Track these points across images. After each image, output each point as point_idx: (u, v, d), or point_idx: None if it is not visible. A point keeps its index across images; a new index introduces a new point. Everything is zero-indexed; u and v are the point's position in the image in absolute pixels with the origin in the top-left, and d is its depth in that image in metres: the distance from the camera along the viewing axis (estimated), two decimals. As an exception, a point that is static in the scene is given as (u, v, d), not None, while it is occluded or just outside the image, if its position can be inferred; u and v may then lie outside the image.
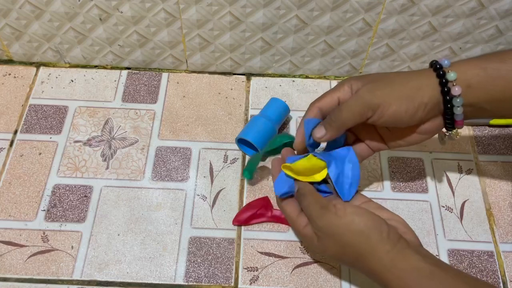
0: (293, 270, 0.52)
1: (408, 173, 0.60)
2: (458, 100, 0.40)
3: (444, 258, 0.54)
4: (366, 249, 0.38)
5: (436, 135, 0.47)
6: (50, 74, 0.67)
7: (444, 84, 0.40)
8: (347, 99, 0.43)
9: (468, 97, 0.40)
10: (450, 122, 0.43)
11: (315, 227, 0.41)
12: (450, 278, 0.36)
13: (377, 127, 0.47)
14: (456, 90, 0.40)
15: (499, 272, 0.53)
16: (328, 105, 0.44)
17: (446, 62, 0.41)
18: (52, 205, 0.56)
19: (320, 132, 0.43)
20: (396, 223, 0.41)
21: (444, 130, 0.45)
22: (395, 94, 0.41)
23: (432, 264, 0.37)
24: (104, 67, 0.68)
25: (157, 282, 0.51)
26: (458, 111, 0.41)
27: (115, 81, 0.67)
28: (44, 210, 0.55)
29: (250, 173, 0.54)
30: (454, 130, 0.44)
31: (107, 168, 0.59)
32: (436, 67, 0.41)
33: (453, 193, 0.59)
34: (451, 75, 0.40)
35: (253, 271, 0.52)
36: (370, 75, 0.44)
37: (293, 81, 0.68)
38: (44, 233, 0.54)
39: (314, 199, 0.42)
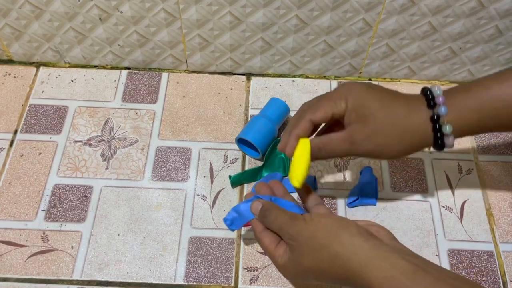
0: (293, 270, 0.52)
1: (408, 173, 0.60)
2: (447, 127, 0.40)
3: (444, 258, 0.54)
4: (340, 248, 0.37)
5: None
6: (50, 74, 0.67)
7: (439, 138, 0.40)
8: (340, 114, 0.42)
9: (459, 135, 0.41)
10: (441, 146, 0.42)
11: (287, 237, 0.40)
12: (433, 280, 0.34)
13: None
14: (449, 141, 0.40)
15: (499, 272, 0.53)
16: (321, 120, 0.43)
17: (443, 110, 0.40)
18: (52, 205, 0.56)
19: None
20: (367, 225, 0.40)
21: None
22: (384, 139, 0.41)
23: (412, 263, 0.35)
24: (104, 67, 0.68)
25: (157, 282, 0.51)
26: (448, 142, 0.41)
27: (115, 81, 0.67)
28: (44, 210, 0.55)
29: (235, 184, 0.58)
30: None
31: (107, 168, 0.59)
32: (434, 119, 0.40)
33: (453, 193, 0.59)
34: (447, 128, 0.40)
35: (253, 271, 0.52)
36: (366, 94, 0.42)
37: (293, 81, 0.68)
38: (44, 233, 0.54)
39: (281, 211, 0.42)
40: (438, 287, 0.34)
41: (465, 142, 0.62)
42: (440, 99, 0.40)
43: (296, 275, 0.41)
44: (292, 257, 0.40)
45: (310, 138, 0.44)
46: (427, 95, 0.41)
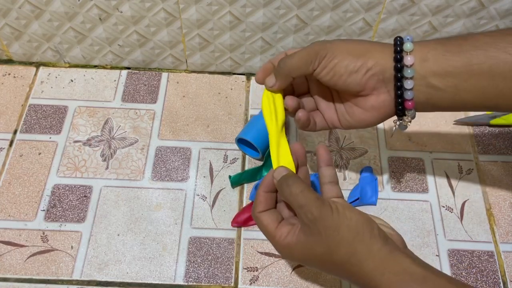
0: (293, 270, 0.52)
1: (408, 173, 0.60)
2: (409, 71, 0.38)
3: (444, 258, 0.54)
4: (360, 246, 0.36)
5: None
6: (49, 74, 0.67)
7: (398, 52, 0.38)
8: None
9: (421, 70, 0.38)
10: (400, 102, 0.40)
11: (309, 217, 0.37)
12: (443, 283, 0.35)
13: (330, 89, 0.46)
14: (408, 60, 0.38)
15: (499, 272, 0.53)
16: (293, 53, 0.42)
17: (408, 37, 0.39)
18: (52, 205, 0.56)
19: (271, 81, 0.43)
20: (382, 227, 0.39)
21: (395, 118, 0.43)
22: (343, 49, 0.39)
23: (424, 268, 0.35)
24: (103, 67, 0.68)
25: (157, 282, 0.51)
26: (408, 85, 0.39)
27: (115, 81, 0.67)
28: (43, 210, 0.55)
29: (235, 184, 0.58)
30: (405, 117, 0.41)
31: (107, 168, 0.59)
32: (396, 39, 0.39)
33: (453, 193, 0.58)
34: (407, 46, 0.38)
35: (253, 271, 0.52)
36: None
37: (293, 81, 0.68)
38: (43, 233, 0.54)
39: (308, 187, 0.38)
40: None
41: (465, 142, 0.62)
42: (407, 37, 0.39)
43: (299, 258, 0.39)
44: (304, 240, 0.38)
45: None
46: (395, 40, 0.40)
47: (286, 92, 0.45)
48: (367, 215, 0.38)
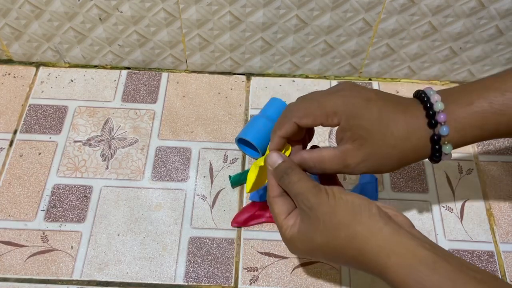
0: (293, 270, 0.52)
1: (408, 173, 0.60)
2: (447, 147, 0.38)
3: (444, 258, 0.54)
4: (359, 226, 0.35)
5: None
6: (49, 74, 0.67)
7: (436, 141, 0.38)
8: (331, 126, 0.40)
9: (459, 141, 0.38)
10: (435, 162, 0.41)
11: (307, 205, 0.37)
12: (455, 271, 0.32)
13: None
14: (446, 156, 0.38)
15: (499, 272, 0.53)
16: (307, 126, 0.41)
17: (445, 129, 0.37)
18: (52, 205, 0.56)
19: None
20: (384, 208, 0.38)
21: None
22: (381, 161, 0.39)
23: (433, 251, 0.33)
24: (103, 67, 0.68)
25: (157, 282, 0.51)
26: (446, 158, 0.39)
27: (115, 81, 0.67)
28: (43, 210, 0.55)
29: (235, 184, 0.58)
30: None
31: (107, 168, 0.59)
32: (434, 138, 0.38)
33: (453, 193, 0.58)
34: (446, 148, 0.38)
35: (253, 271, 0.52)
36: (363, 111, 0.39)
37: (293, 81, 0.68)
38: (43, 233, 0.54)
39: (305, 175, 0.39)
40: (459, 279, 0.32)
41: (465, 142, 0.62)
42: (441, 117, 0.37)
43: (303, 250, 0.39)
44: (304, 230, 0.38)
45: (301, 152, 0.42)
46: (427, 108, 0.38)
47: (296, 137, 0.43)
48: (366, 198, 0.37)
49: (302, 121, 0.40)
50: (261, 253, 0.53)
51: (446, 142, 0.38)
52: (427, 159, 0.40)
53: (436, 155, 0.38)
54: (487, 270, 0.53)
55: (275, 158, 0.41)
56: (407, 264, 0.33)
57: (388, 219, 0.35)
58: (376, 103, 0.39)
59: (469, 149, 0.62)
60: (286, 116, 0.41)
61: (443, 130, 0.37)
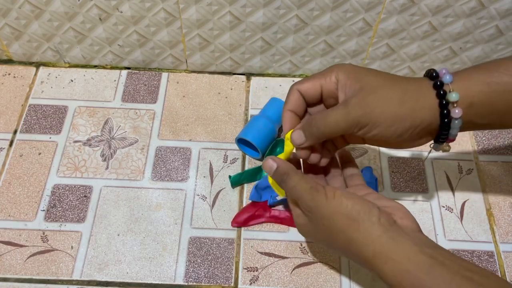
0: (293, 270, 0.52)
1: (408, 173, 0.60)
2: (456, 122, 0.37)
3: (444, 258, 0.54)
4: (356, 234, 0.35)
5: None
6: (49, 74, 0.67)
7: (444, 106, 0.37)
8: (331, 89, 0.39)
9: (468, 116, 0.37)
10: (442, 140, 0.39)
11: (306, 208, 0.38)
12: (451, 274, 0.33)
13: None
14: (456, 113, 0.37)
15: (499, 272, 0.53)
16: (309, 90, 0.41)
17: (448, 77, 0.37)
18: (52, 205, 0.56)
19: (299, 139, 0.40)
20: (393, 210, 0.38)
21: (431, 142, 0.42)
22: (387, 115, 0.37)
23: (430, 256, 0.34)
24: (103, 67, 0.68)
25: (157, 282, 0.51)
26: (454, 132, 0.38)
27: (115, 81, 0.67)
28: (43, 210, 0.55)
29: (235, 184, 0.57)
30: (444, 144, 0.40)
31: (107, 168, 0.59)
32: (437, 84, 0.37)
33: (453, 193, 0.58)
34: (453, 96, 0.36)
35: (253, 271, 0.52)
36: (361, 72, 0.39)
37: (293, 81, 0.68)
38: (43, 233, 0.54)
39: (301, 178, 0.39)
40: (454, 282, 0.32)
41: (465, 142, 0.62)
42: (443, 71, 0.37)
43: (314, 239, 0.41)
44: (308, 227, 0.40)
45: (306, 116, 0.42)
46: (429, 72, 0.38)
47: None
48: (368, 202, 0.37)
49: (303, 86, 0.41)
50: (261, 253, 0.53)
51: (451, 90, 0.36)
52: (429, 160, 0.40)
53: (444, 107, 0.37)
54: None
55: (270, 164, 0.41)
56: (403, 269, 0.34)
57: (388, 226, 0.36)
58: (379, 71, 0.40)
59: (469, 149, 0.62)
60: (289, 90, 0.42)
61: (452, 96, 0.36)
